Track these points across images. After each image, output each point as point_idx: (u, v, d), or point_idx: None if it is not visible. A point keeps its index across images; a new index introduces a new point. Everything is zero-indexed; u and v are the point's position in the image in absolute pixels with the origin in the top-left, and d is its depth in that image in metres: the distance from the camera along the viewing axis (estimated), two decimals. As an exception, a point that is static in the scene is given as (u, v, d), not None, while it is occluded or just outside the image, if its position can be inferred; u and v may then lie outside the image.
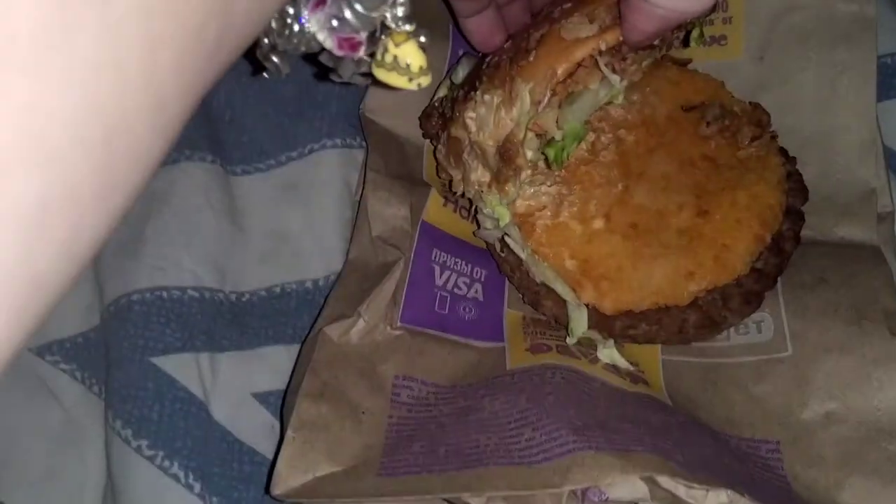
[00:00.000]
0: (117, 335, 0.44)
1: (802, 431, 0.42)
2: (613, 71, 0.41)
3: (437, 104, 0.50)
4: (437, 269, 0.48)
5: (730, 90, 0.50)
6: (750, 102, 0.49)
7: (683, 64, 0.51)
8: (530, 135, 0.42)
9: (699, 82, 0.49)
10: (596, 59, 0.41)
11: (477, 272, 0.49)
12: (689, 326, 0.44)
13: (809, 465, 0.42)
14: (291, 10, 0.26)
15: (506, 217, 0.45)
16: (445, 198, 0.50)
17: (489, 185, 0.44)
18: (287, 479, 0.37)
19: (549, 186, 0.46)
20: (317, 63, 0.29)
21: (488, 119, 0.43)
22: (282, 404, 0.43)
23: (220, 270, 0.48)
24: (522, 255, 0.45)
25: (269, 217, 0.50)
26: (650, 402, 0.43)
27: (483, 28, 0.44)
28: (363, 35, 0.27)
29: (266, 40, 0.27)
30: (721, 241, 0.44)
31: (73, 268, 0.17)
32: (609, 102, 0.44)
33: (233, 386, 0.45)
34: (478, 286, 0.49)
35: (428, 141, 0.51)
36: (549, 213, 0.46)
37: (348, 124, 0.52)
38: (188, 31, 0.17)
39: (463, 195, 0.48)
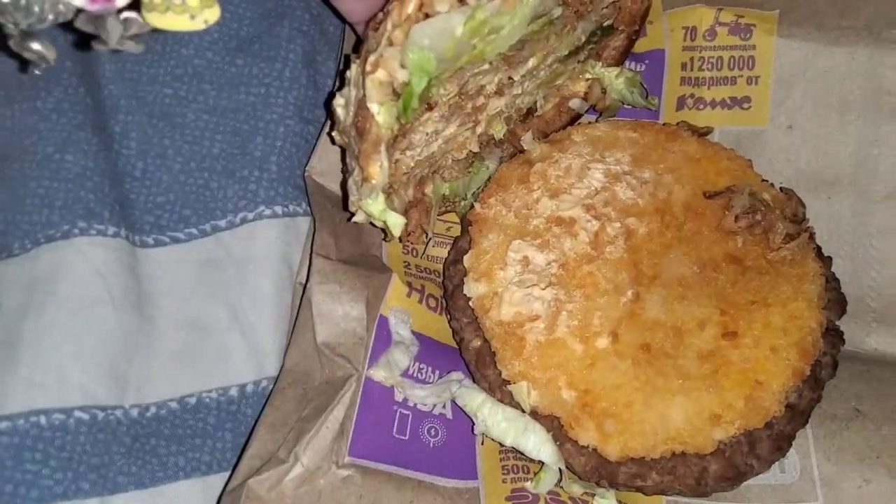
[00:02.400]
0: (-25, 479, 0.34)
1: None
2: None
3: None
4: (398, 380, 0.38)
5: (755, 167, 0.41)
6: (782, 189, 0.41)
7: (703, 133, 0.42)
8: (374, 87, 0.33)
9: (723, 160, 0.41)
10: None
11: (443, 379, 0.40)
12: (708, 478, 0.36)
13: None
14: None
15: (398, 225, 0.37)
16: (409, 285, 0.41)
17: (361, 183, 0.35)
18: None
19: (543, 289, 0.37)
20: (78, 32, 0.24)
21: (350, 96, 0.35)
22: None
23: (119, 379, 0.37)
24: (476, 410, 0.37)
25: (186, 303, 0.40)
26: (659, 575, 0.34)
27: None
28: None
29: (11, 26, 0.23)
30: (753, 375, 0.36)
31: None
32: (479, 55, 0.35)
33: (128, 540, 0.35)
34: (447, 401, 0.39)
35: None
36: (542, 326, 0.37)
37: (292, 186, 0.42)
38: None
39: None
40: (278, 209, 0.41)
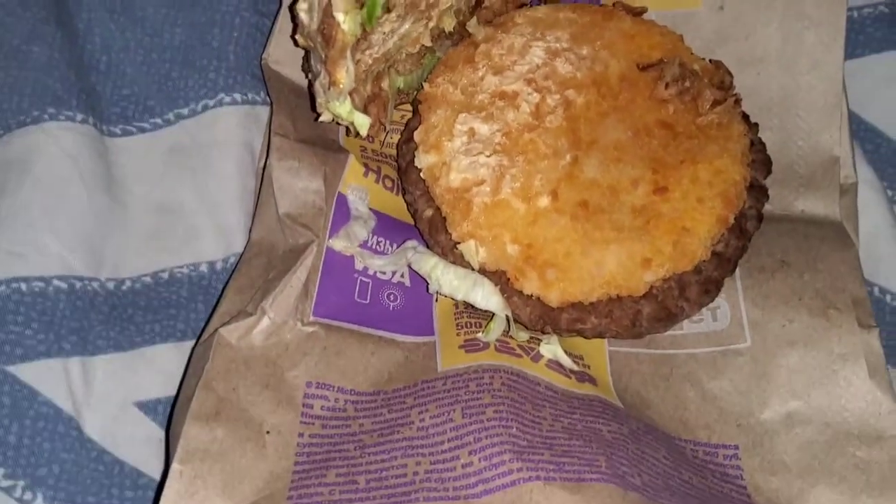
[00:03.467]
0: (-36, 339, 0.36)
1: (763, 434, 0.39)
2: None
3: None
4: (357, 251, 0.41)
5: (688, 45, 0.44)
6: (711, 60, 0.43)
7: (638, 13, 0.45)
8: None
9: (656, 36, 0.44)
10: None
11: (399, 249, 0.43)
12: (642, 319, 0.39)
13: (771, 472, 0.38)
14: None
15: (364, 125, 0.40)
16: (366, 165, 0.43)
17: (328, 87, 0.38)
18: (173, 524, 0.31)
19: (489, 157, 0.40)
20: None
21: (314, 2, 0.37)
22: (167, 423, 0.36)
23: (94, 253, 0.40)
24: (429, 271, 0.40)
25: (154, 187, 0.42)
26: (600, 406, 0.38)
27: None
28: None
29: None
30: (681, 223, 0.39)
31: None
32: None
33: (111, 395, 0.38)
34: (404, 269, 0.42)
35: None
36: (487, 189, 0.39)
37: (250, 76, 0.44)
38: None
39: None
40: (237, 96, 0.43)
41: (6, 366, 0.36)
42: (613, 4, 0.45)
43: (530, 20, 0.44)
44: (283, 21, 0.43)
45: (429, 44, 0.45)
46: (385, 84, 0.45)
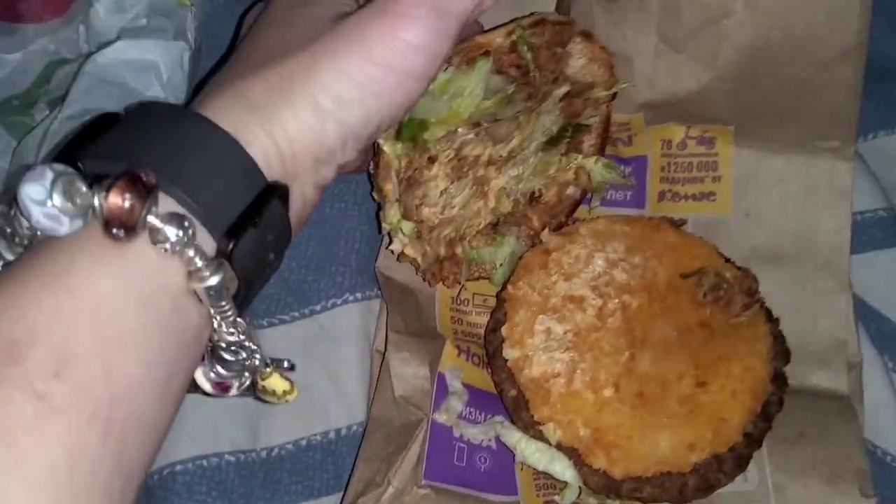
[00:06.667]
0: (162, 507, 0.47)
1: (784, 583, 0.48)
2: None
3: None
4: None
5: (721, 250, 0.54)
6: (740, 268, 0.53)
7: (679, 224, 0.55)
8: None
9: (695, 247, 0.53)
10: None
11: (488, 420, 0.53)
12: (688, 489, 0.48)
13: None
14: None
15: (409, 227, 0.49)
16: (458, 347, 0.54)
17: (384, 203, 0.48)
18: None
19: (563, 353, 0.50)
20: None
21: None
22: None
23: (252, 429, 0.50)
24: (515, 444, 0.49)
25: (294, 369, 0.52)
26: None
27: None
28: (233, 381, 0.35)
29: None
30: (719, 413, 0.48)
31: None
32: (455, 114, 0.47)
33: (266, 549, 0.48)
34: (492, 437, 0.52)
35: (438, 290, 0.55)
36: (562, 381, 0.49)
37: (367, 277, 0.55)
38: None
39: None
40: (358, 295, 0.54)
41: (194, 528, 0.47)
42: (660, 217, 0.56)
43: (592, 232, 0.54)
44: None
45: (491, 220, 0.54)
46: (458, 250, 0.54)
